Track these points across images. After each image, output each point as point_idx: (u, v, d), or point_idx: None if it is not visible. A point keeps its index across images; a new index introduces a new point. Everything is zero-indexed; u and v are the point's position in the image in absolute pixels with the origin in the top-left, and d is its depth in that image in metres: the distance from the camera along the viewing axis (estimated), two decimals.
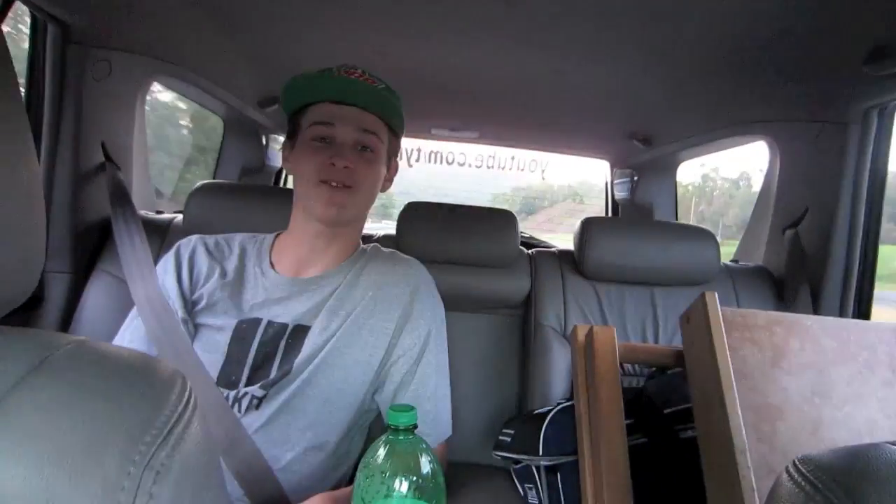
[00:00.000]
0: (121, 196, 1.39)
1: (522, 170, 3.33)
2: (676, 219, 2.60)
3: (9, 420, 0.31)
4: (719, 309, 0.84)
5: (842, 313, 1.45)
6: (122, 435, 0.32)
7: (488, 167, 3.34)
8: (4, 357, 0.34)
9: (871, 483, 0.36)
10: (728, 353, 0.80)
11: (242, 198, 1.48)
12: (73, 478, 0.30)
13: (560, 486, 1.03)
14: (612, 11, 1.16)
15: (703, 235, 1.46)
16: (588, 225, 1.45)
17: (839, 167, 1.43)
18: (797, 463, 0.41)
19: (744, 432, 0.74)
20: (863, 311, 1.45)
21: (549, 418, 1.07)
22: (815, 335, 0.84)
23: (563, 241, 2.37)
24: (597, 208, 3.15)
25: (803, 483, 0.39)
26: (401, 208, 1.52)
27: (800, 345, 0.83)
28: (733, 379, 0.78)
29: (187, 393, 0.37)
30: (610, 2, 1.12)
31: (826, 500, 0.37)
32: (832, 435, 0.78)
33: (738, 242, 1.93)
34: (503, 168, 3.34)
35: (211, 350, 0.99)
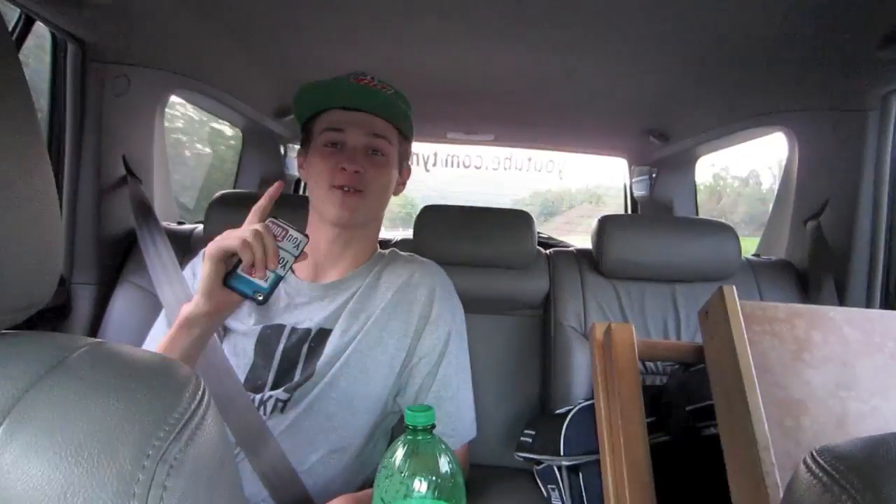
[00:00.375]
0: (144, 208, 1.42)
1: (540, 171, 3.31)
2: (697, 214, 2.57)
3: (28, 417, 0.32)
4: (738, 302, 0.83)
5: (868, 304, 1.42)
6: (136, 430, 0.33)
7: (505, 169, 3.32)
8: (24, 358, 0.35)
9: (891, 473, 0.35)
10: (748, 347, 0.79)
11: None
12: (89, 471, 0.31)
13: (582, 485, 1.02)
14: (624, 7, 1.16)
15: (723, 230, 1.44)
16: (605, 223, 1.44)
17: (859, 155, 1.41)
18: (815, 454, 0.40)
19: (767, 428, 0.73)
20: (890, 302, 1.41)
21: (569, 418, 1.07)
22: (838, 326, 0.83)
23: (582, 242, 2.35)
24: (614, 209, 3.12)
25: (820, 474, 0.38)
26: None
27: (822, 337, 0.82)
28: (754, 374, 0.76)
29: (201, 391, 0.38)
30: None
31: (843, 490, 0.36)
32: (859, 428, 0.76)
33: (744, 237, 1.90)
34: (520, 169, 3.32)
35: (238, 354, 1.01)
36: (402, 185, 1.14)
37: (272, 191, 0.89)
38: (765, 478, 0.70)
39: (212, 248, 0.83)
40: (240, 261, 0.83)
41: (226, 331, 1.04)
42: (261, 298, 0.84)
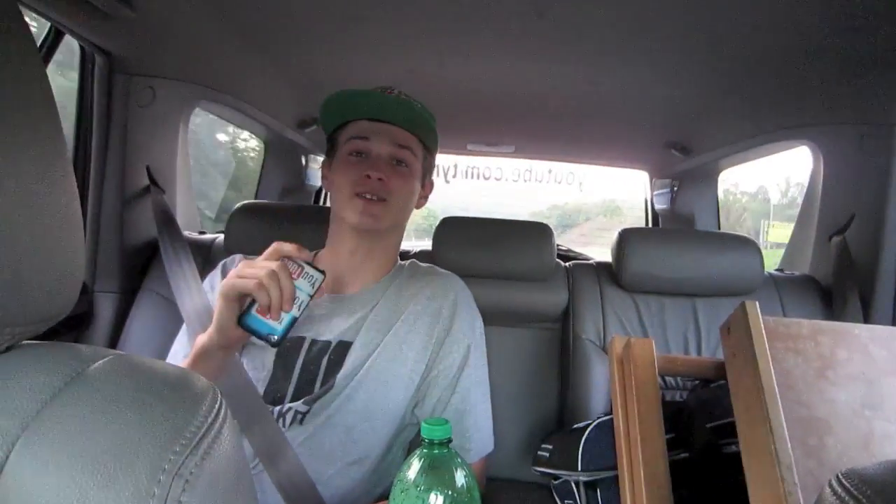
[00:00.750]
0: (166, 217, 1.45)
1: (560, 182, 3.30)
2: (719, 228, 2.54)
3: (46, 429, 0.33)
4: (761, 318, 0.82)
5: (894, 323, 1.39)
6: (152, 444, 0.33)
7: (525, 181, 3.32)
8: (44, 369, 0.36)
9: None
10: (771, 363, 0.77)
11: (282, 217, 1.52)
12: (105, 485, 0.32)
13: (600, 501, 1.01)
14: (646, 19, 1.16)
15: (745, 244, 1.42)
16: (626, 236, 1.43)
17: (886, 170, 1.38)
18: (840, 477, 0.39)
19: (789, 447, 0.71)
20: None
21: (587, 433, 1.06)
22: (863, 344, 0.81)
23: (598, 254, 2.34)
24: (631, 222, 3.10)
25: (846, 497, 0.37)
26: None
27: (847, 354, 0.80)
28: (777, 391, 0.75)
29: (218, 404, 0.38)
30: (644, 11, 1.12)
31: None
32: (885, 450, 0.74)
33: None
34: (539, 181, 3.32)
35: (257, 367, 1.02)
36: (424, 198, 1.15)
37: (297, 249, 0.88)
38: (787, 497, 0.68)
39: (226, 286, 0.84)
40: (254, 300, 0.84)
41: (245, 344, 1.05)
42: (274, 340, 0.84)
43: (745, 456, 0.78)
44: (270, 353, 1.02)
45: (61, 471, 0.32)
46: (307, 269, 0.88)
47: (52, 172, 0.37)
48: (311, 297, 0.88)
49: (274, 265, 0.83)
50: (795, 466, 0.70)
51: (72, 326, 1.43)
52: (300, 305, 0.86)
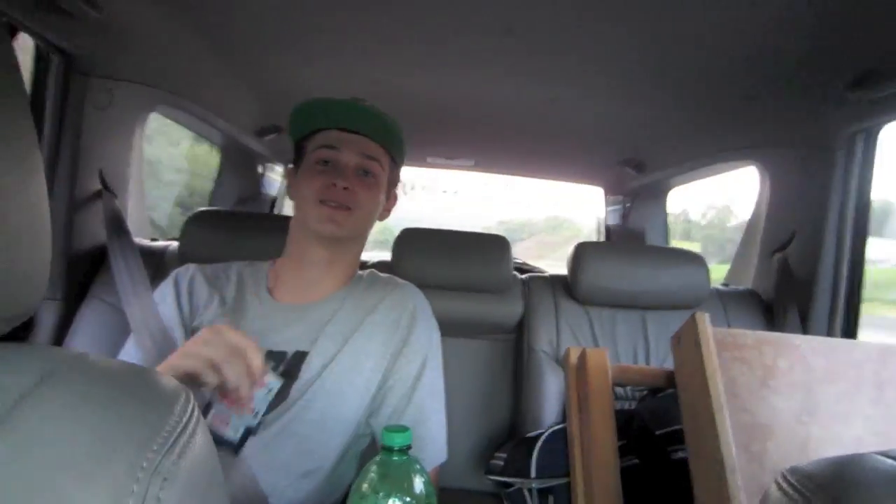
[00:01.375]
0: (117, 223, 1.40)
1: (509, 199, 3.36)
2: (668, 243, 2.63)
3: (18, 430, 0.32)
4: (710, 329, 0.85)
5: (829, 334, 1.46)
6: (129, 442, 0.33)
7: (483, 196, 3.37)
8: (13, 369, 0.35)
9: (857, 490, 0.37)
10: (719, 373, 0.81)
11: (239, 225, 1.49)
12: (82, 483, 0.31)
13: None
14: (610, 40, 1.19)
15: (693, 259, 1.48)
16: (580, 250, 1.47)
17: (826, 191, 1.46)
18: (786, 474, 0.42)
19: (734, 452, 0.75)
20: (850, 332, 1.46)
21: (541, 441, 1.08)
22: (803, 354, 0.85)
23: (544, 269, 2.39)
24: (571, 236, 3.18)
25: (791, 492, 0.40)
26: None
27: (789, 364, 0.84)
28: (723, 399, 0.79)
29: (191, 405, 0.38)
30: (604, 32, 1.15)
31: None
32: (820, 453, 0.78)
33: None
34: (489, 198, 3.37)
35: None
36: (387, 211, 1.16)
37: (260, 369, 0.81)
38: (731, 500, 0.71)
39: (169, 368, 0.76)
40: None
41: None
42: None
43: (692, 461, 0.82)
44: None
45: (37, 471, 0.31)
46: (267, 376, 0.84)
47: (23, 170, 0.36)
48: (267, 411, 0.85)
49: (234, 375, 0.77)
50: (740, 471, 0.74)
51: (10, 334, 1.35)
52: (256, 414, 0.83)
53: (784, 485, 0.41)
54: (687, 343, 0.87)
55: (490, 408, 1.49)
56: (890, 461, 0.39)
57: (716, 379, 0.80)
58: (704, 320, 0.86)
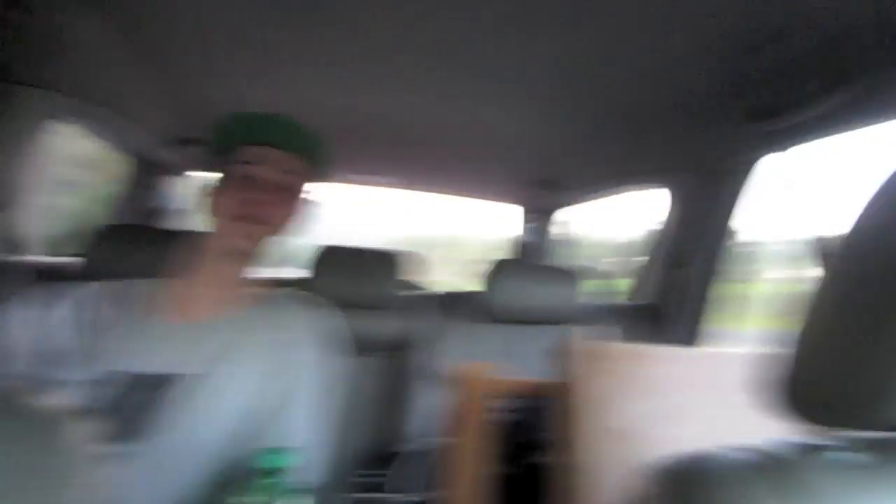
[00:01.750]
0: (7, 238, 1.34)
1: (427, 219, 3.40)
2: (575, 261, 2.73)
3: None
4: (581, 342, 0.92)
5: (712, 345, 1.57)
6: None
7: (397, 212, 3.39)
8: None
9: (705, 479, 0.42)
10: (584, 382, 0.88)
11: (151, 240, 1.43)
12: None
13: None
14: (523, 64, 1.24)
15: (565, 277, 1.54)
16: (489, 269, 1.51)
17: (723, 213, 1.55)
18: (645, 472, 0.47)
19: (596, 455, 0.81)
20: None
21: (417, 456, 1.09)
22: (663, 363, 0.92)
23: (438, 286, 2.42)
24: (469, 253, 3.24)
25: (651, 488, 0.46)
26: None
27: (647, 373, 0.91)
28: (587, 406, 0.85)
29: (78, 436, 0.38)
30: (521, 57, 1.20)
31: (666, 499, 0.44)
32: (674, 452, 0.85)
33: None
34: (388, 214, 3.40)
35: (90, 402, 0.92)
36: (300, 226, 1.13)
37: None
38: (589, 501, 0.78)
39: None
40: None
41: (62, 382, 0.95)
42: None
43: (560, 468, 0.88)
44: (106, 388, 0.93)
45: None
46: None
47: None
48: None
49: None
50: (602, 475, 0.80)
51: None
52: None
53: (644, 482, 0.47)
54: (561, 356, 0.93)
55: (372, 425, 1.49)
56: (732, 452, 0.45)
57: (580, 387, 0.86)
58: (576, 334, 0.93)
